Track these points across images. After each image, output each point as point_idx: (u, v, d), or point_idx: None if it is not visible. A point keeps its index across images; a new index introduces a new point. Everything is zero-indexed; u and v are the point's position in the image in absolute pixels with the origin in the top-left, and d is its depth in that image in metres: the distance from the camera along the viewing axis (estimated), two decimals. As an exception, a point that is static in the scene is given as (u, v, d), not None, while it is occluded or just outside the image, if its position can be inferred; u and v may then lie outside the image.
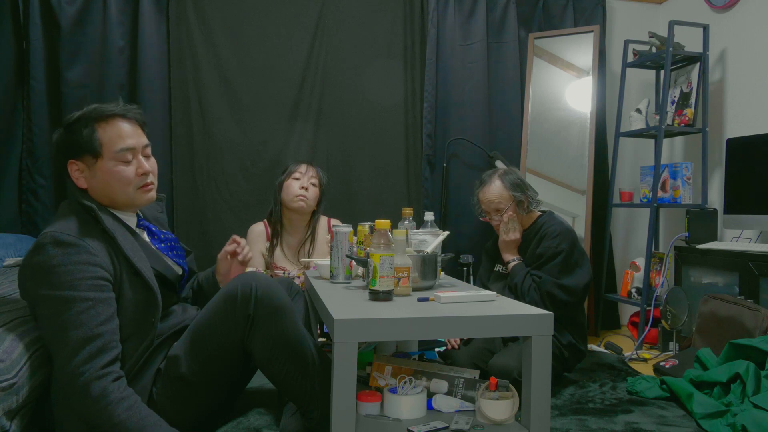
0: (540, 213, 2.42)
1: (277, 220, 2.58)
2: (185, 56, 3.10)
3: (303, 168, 2.60)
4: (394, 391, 1.60)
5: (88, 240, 1.40)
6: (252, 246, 2.56)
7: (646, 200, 3.32)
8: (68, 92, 2.93)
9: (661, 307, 2.89)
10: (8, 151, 2.90)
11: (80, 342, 1.33)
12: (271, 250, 2.55)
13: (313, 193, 2.58)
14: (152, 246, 1.62)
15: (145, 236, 1.63)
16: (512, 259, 2.35)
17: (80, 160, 1.50)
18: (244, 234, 2.61)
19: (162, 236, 1.67)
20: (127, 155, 1.50)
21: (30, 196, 2.92)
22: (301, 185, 2.55)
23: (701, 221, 2.92)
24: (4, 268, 2.32)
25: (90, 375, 1.31)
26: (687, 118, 3.25)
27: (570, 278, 2.21)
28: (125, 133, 1.50)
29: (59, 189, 2.96)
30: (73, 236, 1.38)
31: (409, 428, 1.48)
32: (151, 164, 1.56)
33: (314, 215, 2.63)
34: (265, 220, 2.63)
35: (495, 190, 2.36)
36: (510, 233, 2.34)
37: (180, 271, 1.69)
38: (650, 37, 3.25)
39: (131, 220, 1.59)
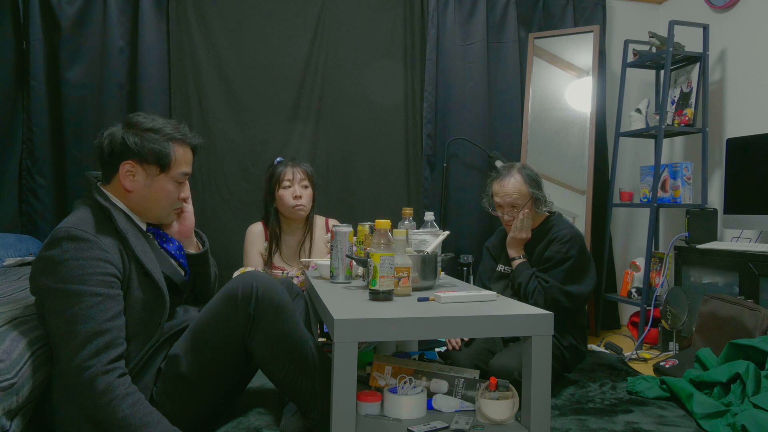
0: (548, 213, 2.37)
1: (275, 224, 2.56)
2: (185, 56, 3.10)
3: (289, 173, 2.49)
4: (394, 391, 1.60)
5: (102, 237, 1.43)
6: (251, 246, 2.56)
7: (646, 200, 3.32)
8: (68, 92, 2.93)
9: (661, 307, 2.89)
10: (8, 151, 2.90)
11: (88, 336, 1.34)
12: (270, 251, 2.54)
13: (307, 196, 2.53)
14: (161, 249, 1.65)
15: (154, 240, 1.65)
16: (517, 256, 2.33)
17: (141, 165, 1.54)
18: (243, 234, 2.61)
19: (169, 236, 1.70)
20: (182, 179, 1.62)
21: (30, 196, 2.92)
22: (294, 194, 2.48)
23: (701, 221, 2.92)
24: (4, 268, 2.32)
25: (96, 369, 1.33)
26: (687, 118, 3.25)
27: (576, 286, 2.20)
28: (189, 160, 1.63)
29: (59, 189, 2.96)
30: (87, 232, 1.41)
31: (409, 428, 1.49)
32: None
33: (310, 213, 2.62)
34: (263, 221, 2.62)
35: (514, 184, 2.28)
36: (523, 231, 2.29)
37: (183, 273, 1.70)
38: (650, 37, 3.25)
39: (142, 223, 1.62)
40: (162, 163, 1.55)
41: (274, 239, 2.55)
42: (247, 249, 2.56)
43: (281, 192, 2.50)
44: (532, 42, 3.41)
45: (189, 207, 1.73)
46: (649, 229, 3.25)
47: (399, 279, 1.60)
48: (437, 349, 2.51)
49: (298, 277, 2.45)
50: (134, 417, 1.33)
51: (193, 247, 1.76)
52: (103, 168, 1.57)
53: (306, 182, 2.54)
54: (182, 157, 1.59)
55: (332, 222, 2.65)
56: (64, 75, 2.93)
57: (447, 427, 1.50)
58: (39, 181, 2.92)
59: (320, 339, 2.35)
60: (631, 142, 3.70)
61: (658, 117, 3.20)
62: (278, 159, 2.59)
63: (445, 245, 2.03)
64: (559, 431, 1.83)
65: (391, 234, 1.61)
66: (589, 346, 2.92)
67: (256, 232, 2.58)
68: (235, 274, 2.19)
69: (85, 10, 2.96)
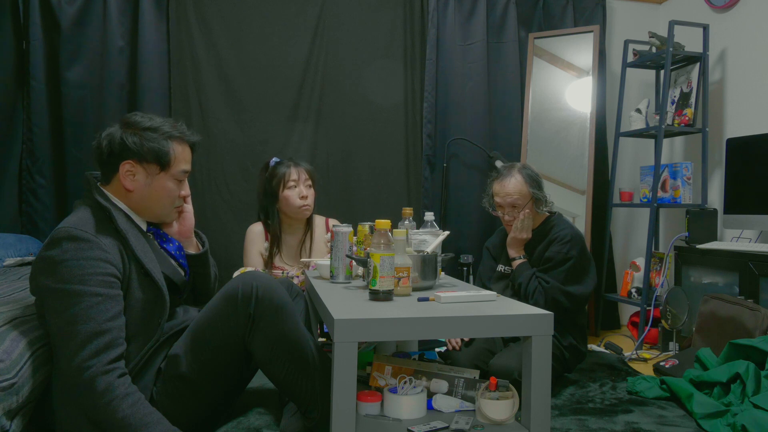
0: (548, 213, 2.36)
1: (276, 225, 2.53)
2: (185, 56, 3.10)
3: (294, 174, 2.48)
4: (394, 391, 1.60)
5: (102, 237, 1.43)
6: (251, 246, 2.55)
7: (646, 200, 3.32)
8: (68, 92, 2.93)
9: (661, 307, 2.89)
10: (8, 151, 2.90)
11: (88, 336, 1.34)
12: (271, 252, 2.54)
13: (311, 196, 2.53)
14: (161, 249, 1.65)
15: (154, 240, 1.65)
16: (517, 256, 2.32)
17: (141, 165, 1.54)
18: (243, 234, 2.61)
19: (169, 236, 1.70)
20: (182, 177, 1.63)
21: (30, 196, 2.92)
22: (301, 194, 2.47)
23: (701, 221, 2.92)
24: (4, 268, 2.32)
25: (96, 369, 1.33)
26: (687, 118, 3.25)
27: (576, 286, 2.20)
28: (188, 158, 1.64)
29: (59, 189, 2.96)
30: (88, 232, 1.41)
31: (409, 428, 1.49)
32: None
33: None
34: (262, 221, 2.60)
35: (515, 184, 2.28)
36: (524, 231, 2.29)
37: (183, 273, 1.70)
38: (650, 37, 3.25)
39: (142, 223, 1.62)
40: (162, 162, 1.56)
41: (274, 239, 2.54)
42: (247, 249, 2.56)
43: (287, 193, 2.48)
44: (532, 42, 3.41)
45: (189, 207, 1.73)
46: (649, 229, 3.25)
47: (399, 279, 1.60)
48: (437, 349, 2.51)
49: (298, 277, 2.44)
50: (134, 417, 1.33)
51: (192, 248, 1.77)
52: (102, 169, 1.57)
53: (310, 182, 2.53)
54: (181, 155, 1.60)
55: (332, 222, 2.65)
56: (64, 75, 2.93)
57: (447, 427, 1.50)
58: (39, 181, 2.92)
59: (320, 339, 2.35)
60: (631, 142, 3.70)
61: (658, 117, 3.20)
62: (274, 159, 2.57)
63: (445, 245, 2.03)
64: (559, 431, 1.83)
65: (391, 234, 1.61)
66: (589, 346, 2.92)
67: (256, 232, 2.57)
68: (235, 274, 2.19)
69: (85, 10, 2.96)
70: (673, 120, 3.29)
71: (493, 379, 1.56)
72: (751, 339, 2.03)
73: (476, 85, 3.39)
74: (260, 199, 2.58)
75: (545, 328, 1.39)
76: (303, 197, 2.48)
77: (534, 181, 2.30)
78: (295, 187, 2.48)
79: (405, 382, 1.67)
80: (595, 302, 3.47)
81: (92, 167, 1.63)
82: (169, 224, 1.71)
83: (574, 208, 3.24)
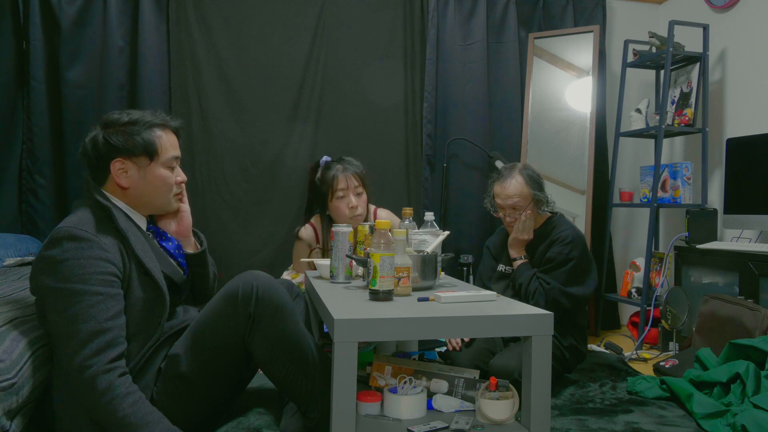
0: (550, 214, 2.35)
1: (326, 229, 2.44)
2: (185, 56, 3.10)
3: (343, 182, 2.39)
4: (394, 391, 1.60)
5: (102, 236, 1.44)
6: (303, 254, 2.47)
7: (646, 200, 3.32)
8: (68, 92, 2.93)
9: (661, 307, 2.89)
10: (8, 151, 2.90)
11: (89, 335, 1.35)
12: (323, 254, 2.45)
13: (362, 203, 2.45)
14: (161, 248, 1.65)
15: (154, 239, 1.65)
16: (518, 257, 2.32)
17: (130, 160, 1.54)
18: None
19: (168, 235, 1.70)
20: (174, 163, 1.62)
21: (30, 196, 2.92)
22: (350, 205, 2.40)
23: (701, 221, 2.92)
24: (4, 268, 2.32)
25: (97, 368, 1.33)
26: (687, 118, 3.25)
27: (577, 287, 2.20)
28: (175, 143, 1.64)
29: (59, 189, 2.96)
30: (88, 232, 1.42)
31: (409, 428, 1.49)
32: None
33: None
34: (311, 222, 2.52)
35: (516, 185, 2.27)
36: (525, 232, 2.28)
37: (182, 272, 1.70)
38: (650, 37, 3.25)
39: (142, 222, 1.62)
40: (149, 152, 1.56)
41: (324, 244, 2.48)
42: (300, 256, 2.48)
43: (336, 203, 2.41)
44: (532, 42, 3.41)
45: (186, 207, 1.73)
46: (649, 229, 3.25)
47: (399, 279, 1.60)
48: (437, 349, 2.51)
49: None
50: (135, 416, 1.33)
51: (191, 247, 1.77)
52: (94, 172, 1.57)
53: (360, 188, 2.45)
54: (167, 142, 1.60)
55: (382, 212, 2.60)
56: (64, 75, 2.92)
57: (447, 427, 1.50)
58: (39, 181, 2.92)
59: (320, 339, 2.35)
60: (631, 142, 3.70)
61: (658, 117, 3.20)
62: (325, 158, 2.50)
63: (445, 245, 2.03)
64: (559, 431, 1.83)
65: (391, 234, 1.61)
66: (589, 346, 2.92)
67: (306, 238, 2.49)
68: (288, 275, 2.31)
69: (85, 10, 2.96)
70: (673, 120, 3.29)
71: (493, 379, 1.56)
72: (751, 339, 2.03)
73: (476, 85, 3.39)
74: (310, 201, 2.52)
75: (545, 329, 1.39)
76: (352, 207, 2.40)
77: (535, 182, 2.30)
78: (344, 197, 2.40)
79: (405, 382, 1.67)
80: (595, 302, 3.47)
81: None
82: (168, 218, 1.71)
83: (574, 208, 3.24)
